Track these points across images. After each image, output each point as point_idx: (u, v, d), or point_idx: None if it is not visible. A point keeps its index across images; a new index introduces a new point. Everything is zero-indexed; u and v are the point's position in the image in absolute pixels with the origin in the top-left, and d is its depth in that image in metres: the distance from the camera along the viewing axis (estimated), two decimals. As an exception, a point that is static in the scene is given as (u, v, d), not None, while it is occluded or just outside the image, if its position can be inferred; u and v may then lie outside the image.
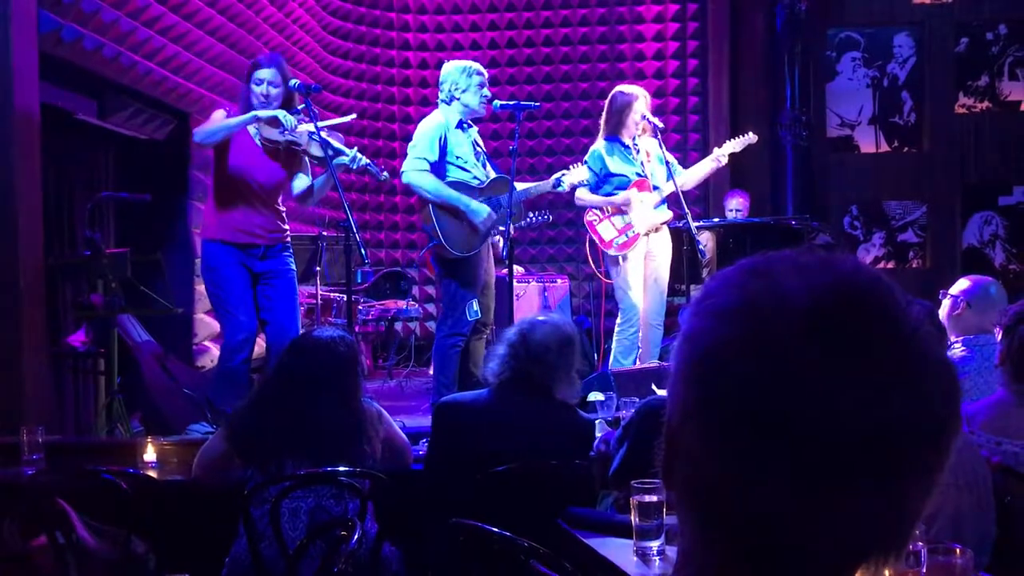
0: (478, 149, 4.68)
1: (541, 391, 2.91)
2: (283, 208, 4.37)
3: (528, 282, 6.52)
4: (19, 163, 4.26)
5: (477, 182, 4.60)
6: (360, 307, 6.59)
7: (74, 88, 5.10)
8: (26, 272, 4.28)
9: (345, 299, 4.99)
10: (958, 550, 1.68)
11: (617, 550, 2.19)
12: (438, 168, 4.51)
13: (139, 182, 5.26)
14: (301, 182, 4.36)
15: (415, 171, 4.50)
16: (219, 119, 4.14)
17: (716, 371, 0.64)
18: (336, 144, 4.18)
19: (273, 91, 4.17)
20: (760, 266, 0.67)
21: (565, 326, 3.03)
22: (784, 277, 0.65)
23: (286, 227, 4.38)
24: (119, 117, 5.45)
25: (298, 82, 4.27)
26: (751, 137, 5.18)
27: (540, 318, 3.06)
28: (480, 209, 4.50)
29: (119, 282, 4.45)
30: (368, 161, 4.22)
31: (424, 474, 3.10)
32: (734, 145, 5.15)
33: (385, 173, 4.40)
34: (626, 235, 4.96)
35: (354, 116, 4.81)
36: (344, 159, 4.16)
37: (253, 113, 4.10)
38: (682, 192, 4.86)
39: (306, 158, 4.33)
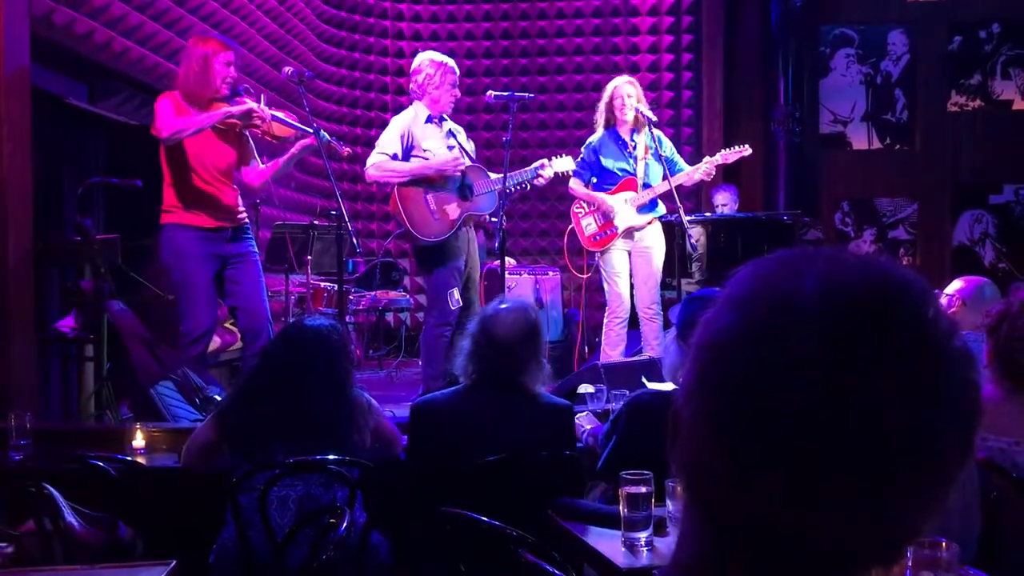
0: (452, 142, 4.64)
1: (513, 386, 2.85)
2: (237, 189, 4.36)
3: (520, 274, 6.52)
4: (9, 146, 4.23)
5: None
6: (351, 297, 6.58)
7: (65, 72, 5.06)
8: (14, 256, 4.25)
9: (336, 289, 4.97)
10: (944, 544, 1.69)
11: (605, 540, 2.19)
12: (402, 162, 4.54)
13: (129, 168, 5.23)
14: (254, 166, 4.36)
15: (372, 164, 4.55)
16: (169, 110, 4.06)
17: (717, 356, 0.64)
18: (292, 122, 4.21)
19: (234, 73, 4.21)
20: (788, 258, 0.66)
21: (528, 311, 2.92)
22: (807, 272, 0.63)
23: (243, 209, 4.38)
24: (110, 102, 5.42)
25: (291, 70, 4.26)
26: (745, 149, 5.14)
27: (502, 306, 2.93)
28: (442, 157, 4.53)
29: (109, 268, 4.42)
30: (329, 137, 4.22)
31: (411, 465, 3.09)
32: (726, 155, 5.08)
33: (347, 149, 4.41)
34: (605, 232, 4.99)
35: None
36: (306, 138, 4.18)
37: (227, 110, 4.07)
38: (675, 187, 4.85)
39: (251, 142, 4.33)
